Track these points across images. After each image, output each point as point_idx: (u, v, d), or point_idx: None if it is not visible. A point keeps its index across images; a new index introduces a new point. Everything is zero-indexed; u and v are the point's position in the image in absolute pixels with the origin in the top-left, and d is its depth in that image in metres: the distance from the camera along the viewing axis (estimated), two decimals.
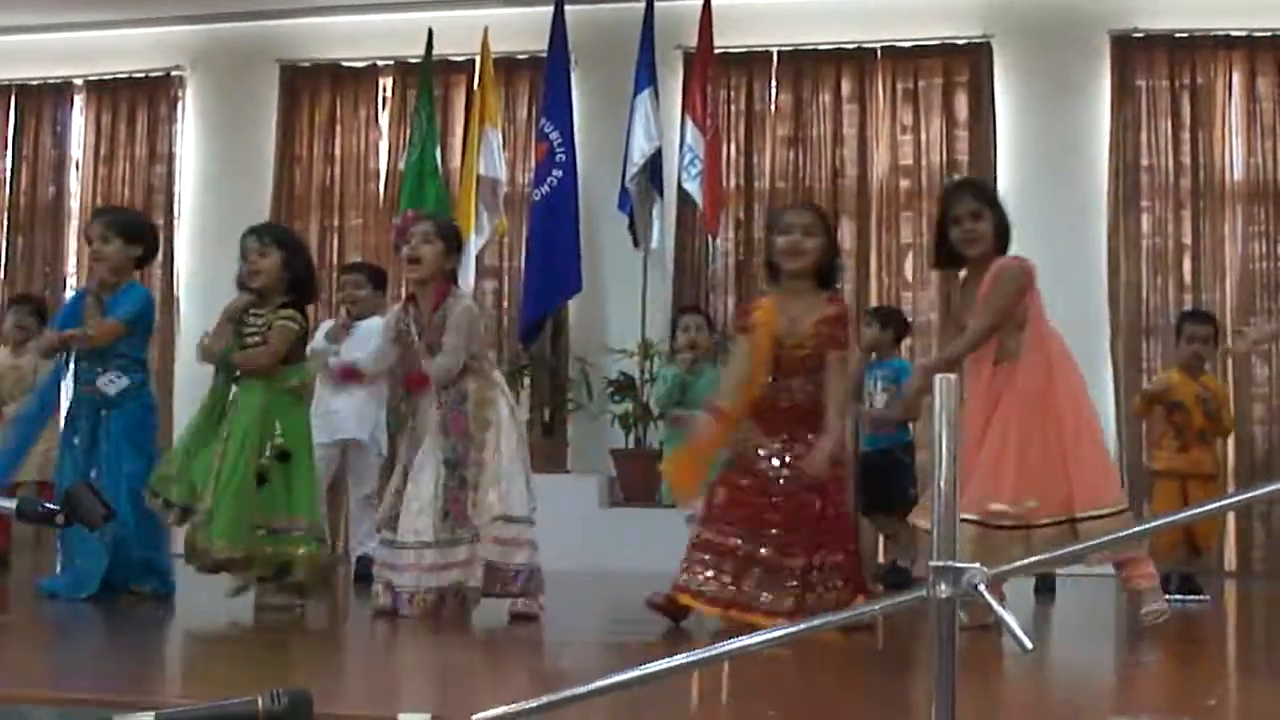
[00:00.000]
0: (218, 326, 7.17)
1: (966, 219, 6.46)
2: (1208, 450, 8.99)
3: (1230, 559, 11.36)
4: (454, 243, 7.11)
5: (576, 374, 11.66)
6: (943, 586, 2.31)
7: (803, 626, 2.85)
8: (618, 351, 11.35)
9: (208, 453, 6.92)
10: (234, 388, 7.14)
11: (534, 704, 2.61)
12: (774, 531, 6.29)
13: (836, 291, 6.70)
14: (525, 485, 6.82)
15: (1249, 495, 2.53)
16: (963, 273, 6.76)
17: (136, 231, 7.67)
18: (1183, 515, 2.55)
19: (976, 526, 5.95)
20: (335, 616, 7.58)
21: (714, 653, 2.71)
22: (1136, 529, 2.23)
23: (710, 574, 6.30)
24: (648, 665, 2.73)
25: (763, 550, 6.27)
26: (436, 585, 6.62)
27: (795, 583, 6.23)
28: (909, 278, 11.87)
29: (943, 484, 2.35)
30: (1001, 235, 6.53)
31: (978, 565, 2.31)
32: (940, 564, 2.32)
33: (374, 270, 9.86)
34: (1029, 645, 2.29)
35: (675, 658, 2.71)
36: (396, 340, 7.02)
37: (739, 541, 6.31)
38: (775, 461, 6.39)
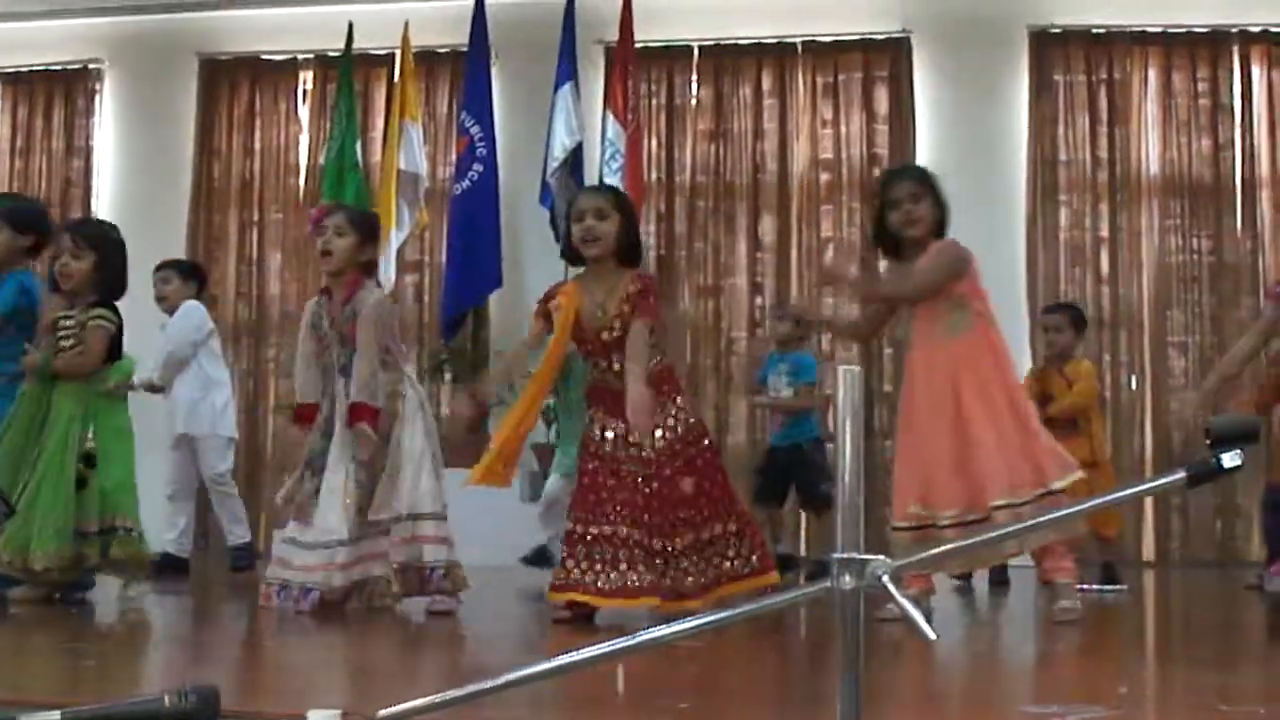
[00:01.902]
0: (39, 338, 7.06)
1: (906, 200, 6.46)
2: (1081, 438, 9.05)
3: (1148, 549, 11.47)
4: (369, 234, 6.99)
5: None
6: (847, 578, 2.32)
7: (712, 618, 2.85)
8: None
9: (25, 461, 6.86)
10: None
11: (440, 698, 2.61)
12: (626, 512, 6.19)
13: (642, 270, 6.61)
14: (435, 480, 6.78)
15: (1129, 493, 2.56)
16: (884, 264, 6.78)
17: (25, 220, 7.33)
18: (1052, 517, 2.57)
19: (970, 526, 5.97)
20: (221, 611, 7.56)
21: (623, 645, 2.70)
22: (1014, 528, 2.23)
23: (585, 565, 6.24)
24: (556, 659, 2.73)
25: (631, 533, 6.18)
26: (343, 584, 6.57)
27: (662, 561, 6.17)
28: None
29: (847, 476, 2.36)
30: (939, 220, 6.55)
31: (882, 557, 2.33)
32: (844, 556, 2.33)
33: (182, 264, 9.79)
34: (932, 636, 2.30)
35: (584, 650, 2.70)
36: (312, 330, 6.94)
37: (604, 529, 6.23)
38: (620, 442, 6.32)
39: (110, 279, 7.14)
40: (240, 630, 6.58)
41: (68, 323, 7.01)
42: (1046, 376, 9.09)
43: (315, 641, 5.92)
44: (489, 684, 2.70)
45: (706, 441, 6.52)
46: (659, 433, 6.31)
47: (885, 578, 2.31)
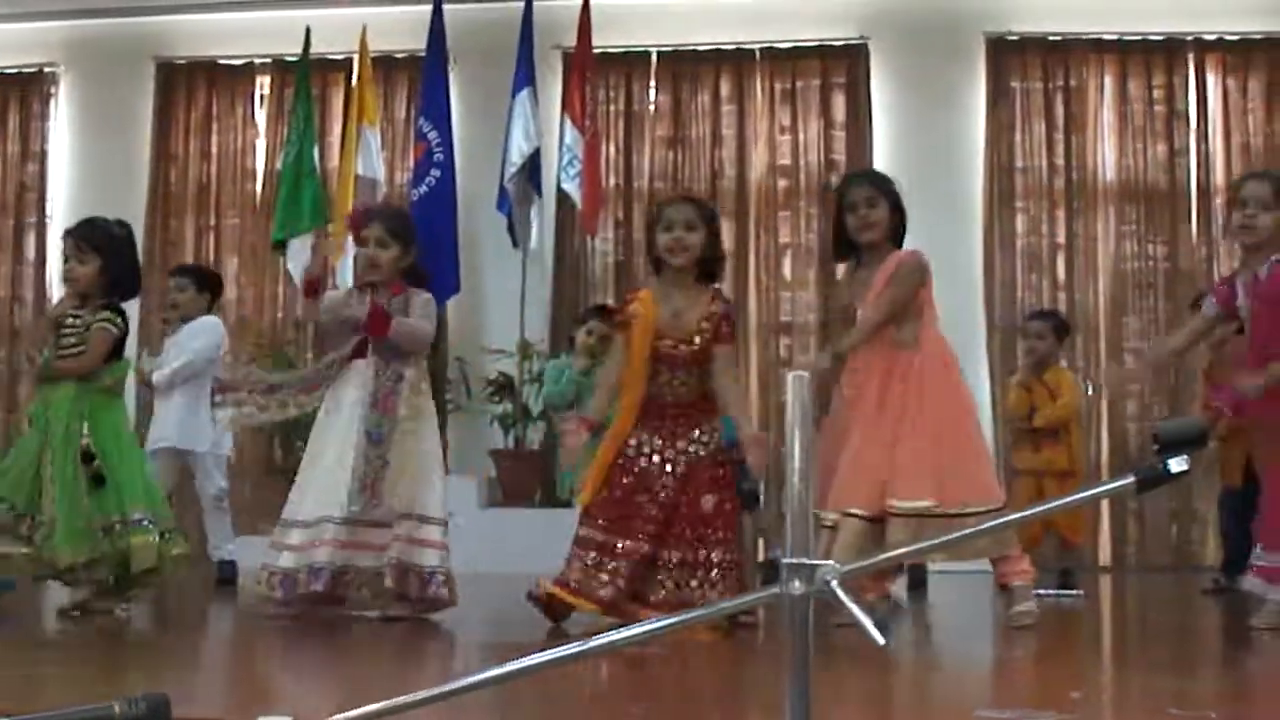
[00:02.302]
0: (41, 335, 7.05)
1: (862, 205, 6.50)
2: (1061, 447, 9.11)
3: (1105, 554, 11.52)
4: (408, 239, 7.04)
5: (455, 374, 11.61)
6: (796, 584, 2.33)
7: (660, 624, 2.85)
8: (496, 351, 11.33)
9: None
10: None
11: (390, 704, 2.60)
12: (653, 529, 6.26)
13: (718, 288, 6.70)
14: (441, 488, 6.79)
15: (1079, 497, 2.57)
16: (841, 267, 6.81)
17: None
18: (1010, 518, 2.58)
19: (909, 518, 5.99)
20: (191, 619, 7.53)
21: (578, 650, 2.70)
22: (974, 529, 2.24)
23: (591, 571, 6.27)
24: (509, 664, 2.72)
25: (645, 547, 6.24)
26: (347, 564, 6.56)
27: (669, 578, 6.22)
28: (787, 277, 11.94)
29: (796, 480, 2.36)
30: (896, 225, 6.57)
31: (831, 562, 2.33)
32: (793, 561, 2.33)
33: (200, 273, 9.73)
34: (881, 641, 2.31)
35: (537, 655, 2.70)
36: (345, 319, 6.92)
37: (622, 540, 6.27)
38: (657, 459, 6.36)
39: (118, 280, 7.11)
40: (204, 637, 6.58)
41: (75, 322, 6.98)
42: (1031, 387, 9.14)
43: (274, 647, 5.91)
44: (442, 689, 2.69)
45: (726, 461, 6.53)
46: (694, 449, 6.35)
47: (834, 583, 2.31)
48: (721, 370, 6.43)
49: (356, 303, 6.85)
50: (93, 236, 7.14)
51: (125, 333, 7.11)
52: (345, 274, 10.94)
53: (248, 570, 7.92)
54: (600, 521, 6.35)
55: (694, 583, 6.26)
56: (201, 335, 9.08)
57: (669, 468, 6.33)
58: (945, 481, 6.14)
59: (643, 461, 6.35)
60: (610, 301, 11.73)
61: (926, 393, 6.34)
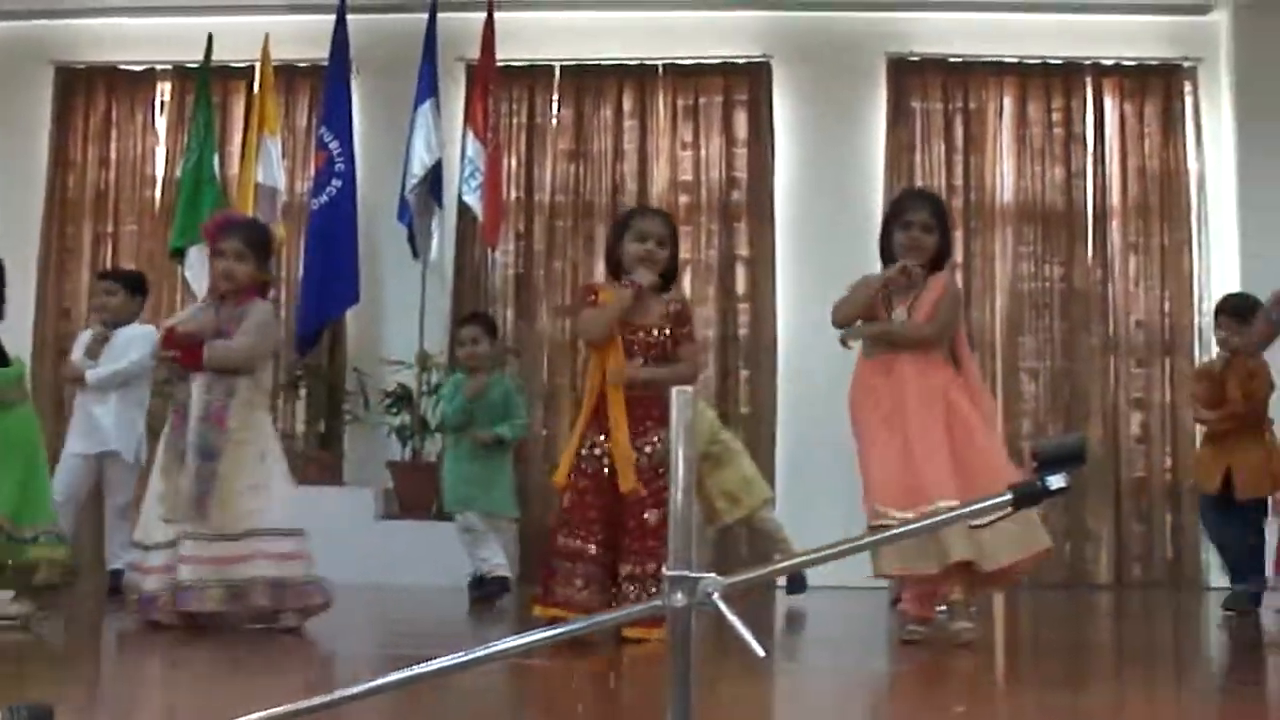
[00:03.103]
0: None
1: (918, 227, 6.66)
2: None
3: None
4: (265, 254, 7.13)
5: (353, 385, 11.55)
6: (679, 596, 2.34)
7: (546, 634, 2.85)
8: (395, 363, 11.27)
9: None
10: None
11: (269, 714, 2.59)
12: (603, 535, 6.26)
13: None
14: (286, 498, 6.78)
15: (958, 513, 2.59)
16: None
17: None
18: (892, 533, 2.59)
19: None
20: (84, 628, 7.46)
21: (461, 660, 2.70)
22: (848, 545, 2.26)
23: (566, 580, 6.27)
24: (393, 674, 2.72)
25: (592, 549, 6.24)
26: (214, 578, 6.53)
27: (632, 588, 6.23)
28: (687, 294, 11.94)
29: (680, 495, 2.37)
30: (941, 253, 6.77)
31: (713, 575, 2.34)
32: (676, 573, 2.34)
33: (128, 276, 9.66)
34: (762, 652, 2.32)
35: (419, 667, 2.69)
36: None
37: (586, 546, 6.28)
38: (608, 460, 6.36)
39: None
40: (94, 646, 6.51)
41: None
42: None
43: (155, 655, 5.86)
44: (324, 699, 2.68)
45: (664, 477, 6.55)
46: (641, 459, 6.34)
47: (716, 595, 2.33)
48: (685, 358, 6.57)
49: (196, 321, 6.84)
50: None
51: None
52: None
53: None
54: (568, 529, 6.37)
55: (654, 590, 6.26)
56: (139, 344, 9.01)
57: (609, 464, 6.33)
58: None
59: (595, 466, 6.36)
60: (506, 314, 11.76)
61: (979, 406, 6.64)
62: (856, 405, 6.66)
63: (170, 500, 6.65)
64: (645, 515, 6.30)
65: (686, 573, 2.35)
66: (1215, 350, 9.43)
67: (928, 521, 3.37)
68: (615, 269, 6.61)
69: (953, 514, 2.76)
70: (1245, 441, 8.50)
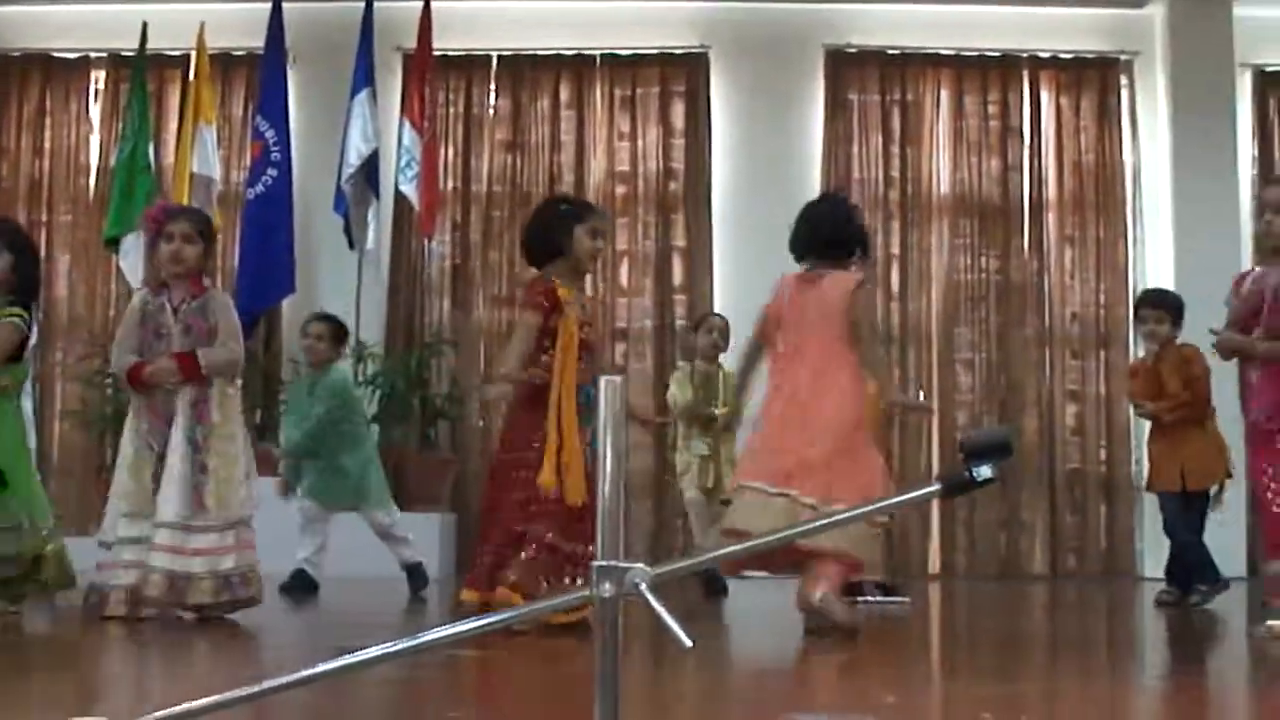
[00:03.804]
0: None
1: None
2: None
3: (934, 562, 11.67)
4: (211, 239, 7.09)
5: (289, 375, 11.47)
6: (606, 586, 2.33)
7: (477, 623, 2.84)
8: None
9: None
10: None
11: (197, 705, 2.57)
12: (547, 521, 6.23)
13: None
14: (252, 488, 6.82)
15: (886, 504, 2.59)
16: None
17: None
18: (805, 528, 2.58)
19: None
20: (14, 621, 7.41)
21: (391, 650, 2.68)
22: (752, 542, 2.26)
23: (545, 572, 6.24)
24: (325, 664, 2.70)
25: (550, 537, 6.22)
26: (185, 570, 6.50)
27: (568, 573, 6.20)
28: (624, 284, 11.96)
29: (607, 485, 2.37)
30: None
31: (640, 565, 2.33)
32: (604, 563, 2.34)
33: None
34: (689, 643, 2.31)
35: (348, 657, 2.67)
36: (143, 324, 6.84)
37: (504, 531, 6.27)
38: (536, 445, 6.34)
39: (26, 278, 6.97)
40: (29, 639, 6.45)
41: None
42: None
43: (89, 648, 5.82)
44: (254, 689, 2.67)
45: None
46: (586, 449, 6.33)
47: (643, 585, 2.32)
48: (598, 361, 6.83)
49: (165, 356, 6.75)
50: (5, 233, 7.02)
51: (29, 333, 6.96)
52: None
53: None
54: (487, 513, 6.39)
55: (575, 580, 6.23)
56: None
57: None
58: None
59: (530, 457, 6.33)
60: (442, 304, 11.71)
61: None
62: None
63: (137, 496, 6.61)
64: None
65: (615, 563, 2.34)
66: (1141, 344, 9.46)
67: (856, 511, 3.36)
68: (544, 250, 6.58)
69: (880, 504, 2.77)
70: (1193, 433, 8.50)
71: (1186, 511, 8.53)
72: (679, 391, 9.28)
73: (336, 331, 9.31)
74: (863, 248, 6.82)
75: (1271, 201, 6.74)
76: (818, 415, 6.34)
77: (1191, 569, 8.49)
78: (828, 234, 6.73)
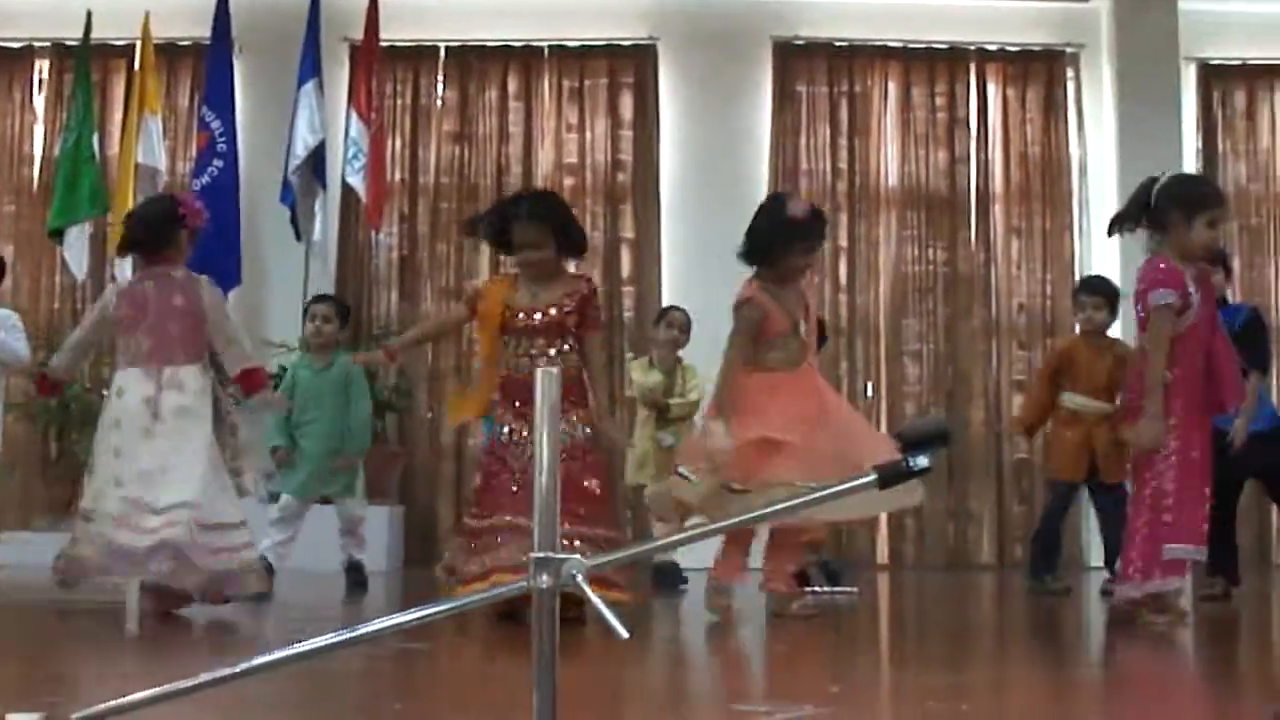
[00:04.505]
0: None
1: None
2: None
3: (883, 552, 11.70)
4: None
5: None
6: (544, 577, 2.33)
7: (425, 613, 2.82)
8: (278, 345, 11.16)
9: None
10: None
11: (137, 698, 2.56)
12: (521, 503, 6.21)
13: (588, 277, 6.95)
14: None
15: (822, 494, 2.59)
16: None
17: None
18: (755, 515, 2.56)
19: None
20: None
21: (335, 641, 2.67)
22: (702, 529, 2.25)
23: (465, 557, 6.27)
24: (263, 656, 2.69)
25: (517, 520, 6.21)
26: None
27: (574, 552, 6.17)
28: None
29: (544, 477, 2.36)
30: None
31: (577, 556, 2.33)
32: (541, 555, 2.34)
33: None
34: (624, 634, 2.31)
35: (294, 648, 2.67)
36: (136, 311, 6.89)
37: (494, 520, 6.27)
38: (525, 448, 6.36)
39: None
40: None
41: None
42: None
43: (29, 642, 5.79)
44: (188, 683, 2.65)
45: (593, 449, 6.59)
46: (562, 438, 6.31)
47: (579, 576, 2.32)
48: (593, 353, 6.72)
49: None
50: None
51: None
52: (123, 268, 10.77)
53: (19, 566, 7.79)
54: (481, 510, 6.44)
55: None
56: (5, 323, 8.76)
57: (529, 449, 6.31)
58: None
59: (515, 449, 6.39)
60: (390, 296, 11.69)
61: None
62: None
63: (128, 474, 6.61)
64: (586, 484, 6.41)
65: (551, 554, 2.34)
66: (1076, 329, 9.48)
67: (798, 500, 3.35)
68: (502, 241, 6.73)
69: (817, 495, 2.77)
70: (1104, 423, 8.51)
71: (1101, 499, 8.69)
72: (642, 376, 9.26)
73: (344, 311, 9.33)
74: (757, 255, 6.88)
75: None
76: None
77: (1045, 554, 8.65)
78: (742, 247, 6.90)
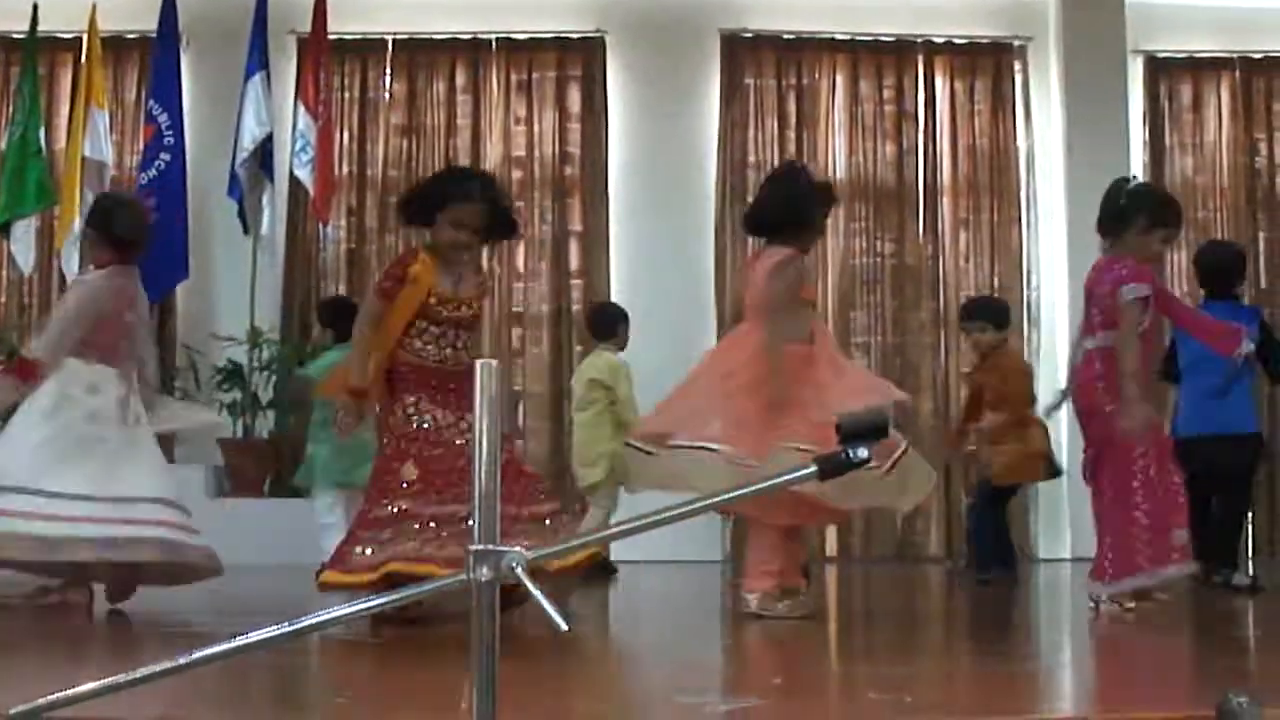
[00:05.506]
0: None
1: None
2: None
3: (831, 544, 11.73)
4: None
5: (184, 362, 11.41)
6: (484, 570, 2.33)
7: (369, 604, 2.83)
8: (226, 339, 11.14)
9: None
10: None
11: (74, 693, 2.55)
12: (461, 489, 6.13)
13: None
14: None
15: (764, 485, 2.61)
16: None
17: None
18: (696, 505, 2.55)
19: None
20: None
21: (277, 634, 2.67)
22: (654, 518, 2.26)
23: (427, 541, 6.06)
24: (198, 651, 2.68)
25: (464, 510, 6.07)
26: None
27: (524, 528, 6.09)
28: (520, 268, 11.93)
29: (483, 469, 2.37)
30: None
31: (517, 549, 2.34)
32: (480, 548, 2.34)
33: None
34: (564, 626, 2.32)
35: (230, 642, 2.66)
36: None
37: (452, 508, 6.09)
38: (456, 436, 6.23)
39: None
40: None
41: None
42: None
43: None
44: (125, 677, 2.64)
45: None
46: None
47: (519, 569, 2.32)
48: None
49: None
50: None
51: None
52: (70, 262, 10.75)
53: None
54: (421, 498, 6.11)
55: (551, 526, 6.10)
56: None
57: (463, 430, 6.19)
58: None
59: (447, 435, 6.20)
60: (338, 289, 11.66)
61: None
62: None
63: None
64: (524, 466, 6.53)
65: (491, 546, 2.35)
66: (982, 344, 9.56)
67: (748, 489, 3.36)
68: (422, 213, 6.51)
69: (758, 487, 2.78)
70: (1010, 434, 8.88)
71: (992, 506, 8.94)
72: (625, 384, 9.22)
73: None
74: (797, 225, 6.72)
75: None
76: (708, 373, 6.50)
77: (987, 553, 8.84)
78: (765, 215, 6.79)
